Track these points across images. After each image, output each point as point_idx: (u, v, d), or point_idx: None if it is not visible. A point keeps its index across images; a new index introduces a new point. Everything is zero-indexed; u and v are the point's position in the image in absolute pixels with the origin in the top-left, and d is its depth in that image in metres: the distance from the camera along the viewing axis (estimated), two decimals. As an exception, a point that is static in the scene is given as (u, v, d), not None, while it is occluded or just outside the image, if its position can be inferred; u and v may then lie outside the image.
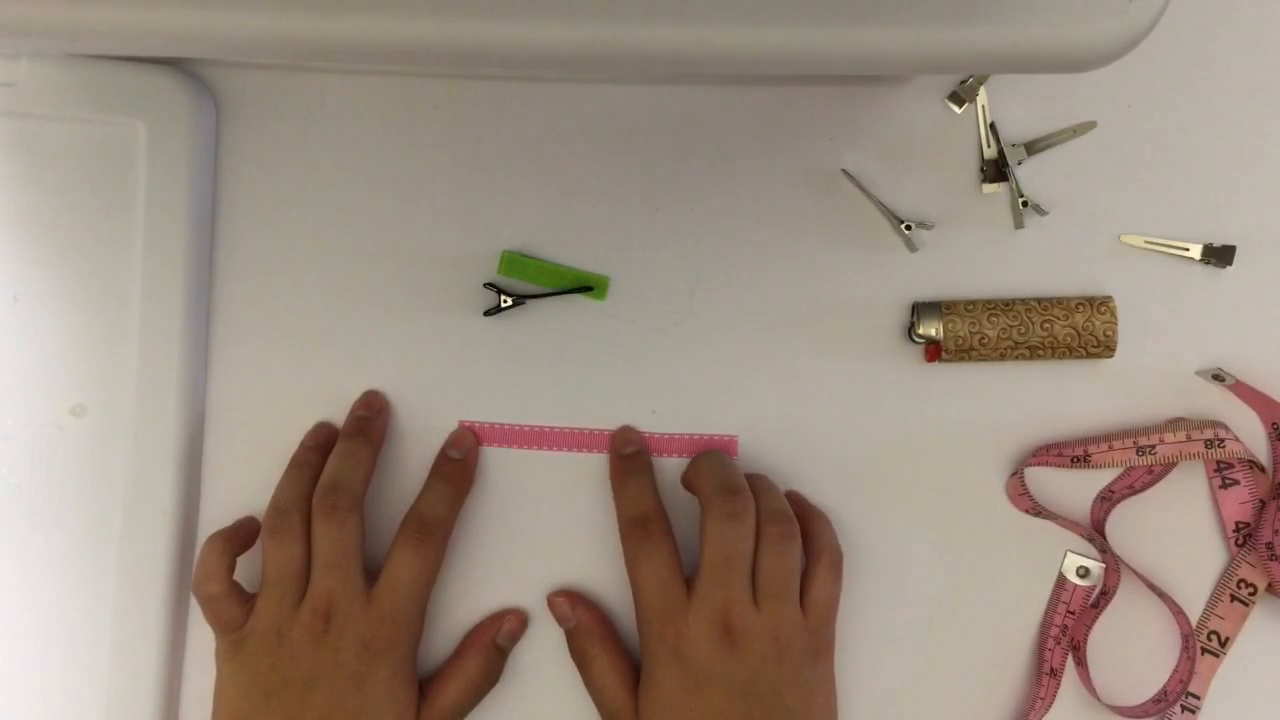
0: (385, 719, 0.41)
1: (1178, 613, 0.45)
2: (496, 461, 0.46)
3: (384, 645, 0.41)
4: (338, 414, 0.46)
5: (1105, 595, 0.45)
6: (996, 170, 0.46)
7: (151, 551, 0.45)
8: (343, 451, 0.44)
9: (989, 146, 0.46)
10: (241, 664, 0.41)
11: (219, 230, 0.47)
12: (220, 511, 0.46)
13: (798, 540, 0.42)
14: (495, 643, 0.45)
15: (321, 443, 0.45)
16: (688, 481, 0.45)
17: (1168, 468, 0.46)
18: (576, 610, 0.45)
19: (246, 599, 0.43)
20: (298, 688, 0.40)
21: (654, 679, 0.41)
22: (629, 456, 0.45)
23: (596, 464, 0.46)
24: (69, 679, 0.46)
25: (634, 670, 0.43)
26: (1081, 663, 0.45)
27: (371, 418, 0.45)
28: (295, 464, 0.45)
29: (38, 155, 0.46)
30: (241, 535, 0.44)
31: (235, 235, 0.47)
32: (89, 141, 0.46)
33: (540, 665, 0.46)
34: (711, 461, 0.44)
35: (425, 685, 0.44)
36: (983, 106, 0.46)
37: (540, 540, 0.46)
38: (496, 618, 0.45)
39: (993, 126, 0.46)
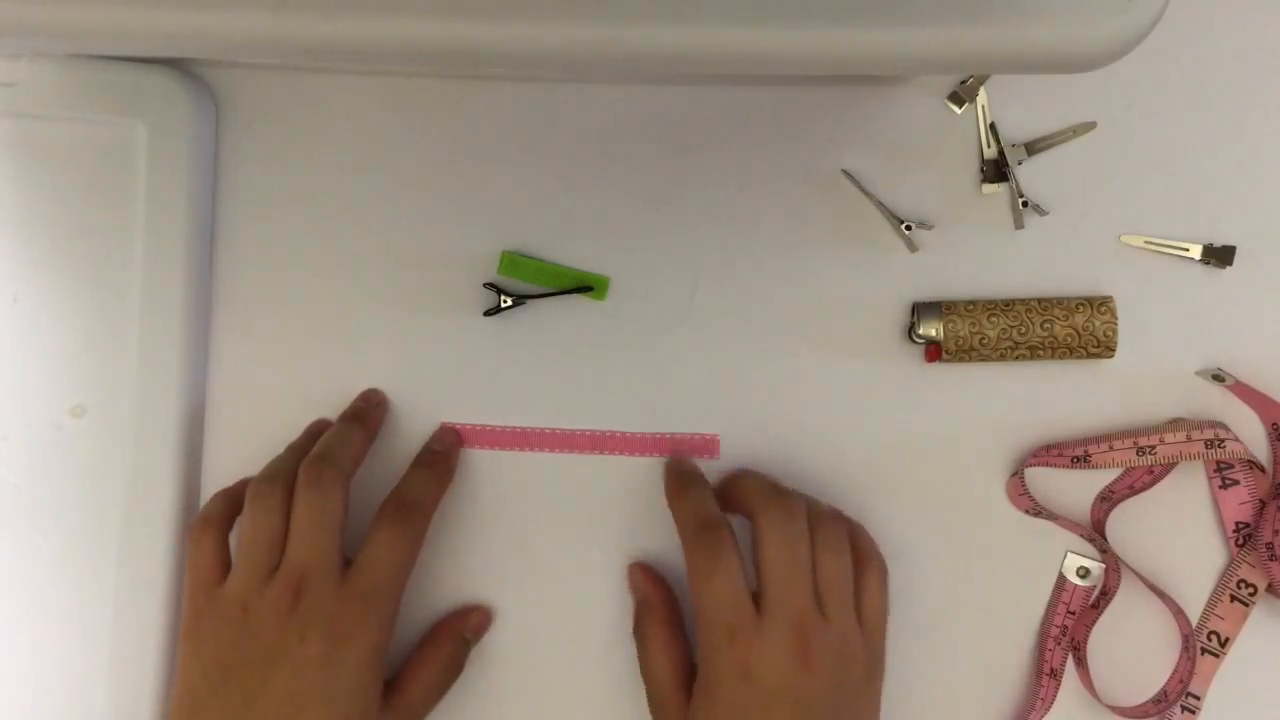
0: (350, 705, 0.40)
1: (1178, 613, 0.45)
2: (497, 463, 0.46)
3: (354, 626, 0.40)
4: (337, 414, 0.46)
5: (1105, 595, 0.45)
6: (996, 170, 0.46)
7: (151, 551, 0.45)
8: (336, 431, 0.44)
9: (989, 146, 0.46)
10: (202, 640, 0.40)
11: (219, 230, 0.47)
12: (220, 511, 0.46)
13: (849, 542, 0.41)
14: (463, 635, 0.45)
15: (320, 432, 0.45)
16: (726, 500, 0.43)
17: (1168, 468, 0.46)
18: (647, 584, 0.44)
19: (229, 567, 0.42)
20: (260, 666, 0.39)
21: (715, 694, 0.39)
22: (685, 471, 0.44)
23: (595, 465, 0.46)
24: (69, 679, 0.46)
25: (688, 660, 0.42)
26: (1081, 663, 0.45)
27: (369, 409, 0.45)
28: (291, 446, 0.44)
29: (38, 155, 0.46)
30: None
31: (235, 235, 0.47)
32: (89, 141, 0.46)
33: (511, 664, 0.46)
34: (748, 473, 0.44)
35: (392, 677, 0.43)
36: (983, 106, 0.46)
37: (541, 541, 0.46)
38: (464, 612, 0.46)
39: (993, 126, 0.46)
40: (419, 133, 0.46)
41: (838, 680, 0.39)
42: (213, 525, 0.42)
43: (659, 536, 0.46)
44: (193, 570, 0.42)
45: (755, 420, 0.46)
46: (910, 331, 0.46)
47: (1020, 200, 0.45)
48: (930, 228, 0.46)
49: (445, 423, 0.46)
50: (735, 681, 0.38)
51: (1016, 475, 0.45)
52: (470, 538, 0.46)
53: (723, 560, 0.40)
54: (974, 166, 0.46)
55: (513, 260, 0.46)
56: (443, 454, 0.45)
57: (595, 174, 0.46)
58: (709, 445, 0.46)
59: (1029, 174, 0.46)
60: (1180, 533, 0.46)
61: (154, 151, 0.44)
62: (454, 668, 0.44)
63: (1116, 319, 0.45)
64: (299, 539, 0.40)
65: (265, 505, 0.41)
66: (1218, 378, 0.45)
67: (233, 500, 0.43)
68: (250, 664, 0.39)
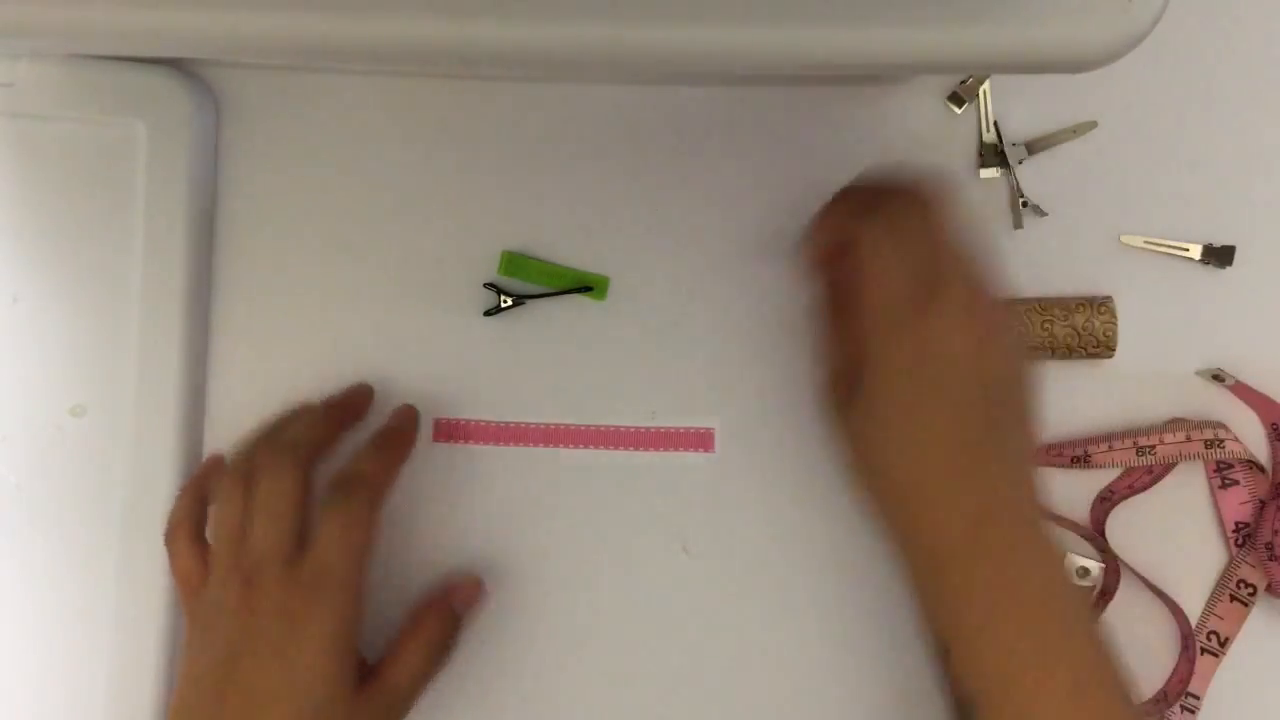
0: (313, 695, 0.38)
1: (1177, 613, 0.45)
2: (493, 459, 0.46)
3: (305, 613, 0.38)
4: (338, 414, 0.46)
5: (1105, 595, 0.45)
6: (995, 155, 0.46)
7: (151, 551, 0.44)
8: (293, 416, 0.43)
9: (989, 131, 0.46)
10: (190, 641, 0.40)
11: (219, 230, 0.47)
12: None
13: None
14: (452, 610, 0.42)
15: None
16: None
17: (1167, 468, 0.46)
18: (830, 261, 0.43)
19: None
20: (224, 663, 0.38)
21: (880, 374, 0.38)
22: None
23: (592, 460, 0.46)
24: (69, 679, 0.46)
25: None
26: (1082, 662, 0.45)
27: (346, 402, 0.45)
28: (256, 436, 0.43)
29: (38, 155, 0.46)
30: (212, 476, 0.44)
31: (235, 235, 0.47)
32: (89, 141, 0.46)
33: (509, 660, 0.46)
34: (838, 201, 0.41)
35: (377, 663, 0.41)
36: (984, 92, 0.46)
37: (537, 537, 0.46)
38: (451, 585, 0.43)
39: (994, 125, 0.46)
40: (419, 133, 0.46)
41: (1010, 351, 0.39)
42: (181, 528, 0.42)
43: (656, 532, 0.46)
44: (178, 578, 0.42)
45: (756, 420, 0.46)
46: (910, 331, 0.46)
47: (1020, 200, 0.45)
48: (930, 228, 0.46)
49: (439, 419, 0.46)
50: (909, 355, 0.38)
51: (1016, 475, 0.45)
52: (467, 534, 0.46)
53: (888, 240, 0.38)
54: (973, 167, 0.46)
55: (513, 260, 0.46)
56: (396, 429, 0.44)
57: (595, 174, 0.46)
58: (703, 439, 0.46)
59: (1029, 174, 0.46)
60: (1180, 533, 0.46)
61: (154, 151, 0.44)
62: (442, 647, 0.42)
63: (1116, 319, 0.45)
64: (254, 529, 0.39)
65: (226, 498, 0.40)
66: (1218, 378, 0.45)
67: (195, 493, 0.43)
68: (218, 662, 0.38)
